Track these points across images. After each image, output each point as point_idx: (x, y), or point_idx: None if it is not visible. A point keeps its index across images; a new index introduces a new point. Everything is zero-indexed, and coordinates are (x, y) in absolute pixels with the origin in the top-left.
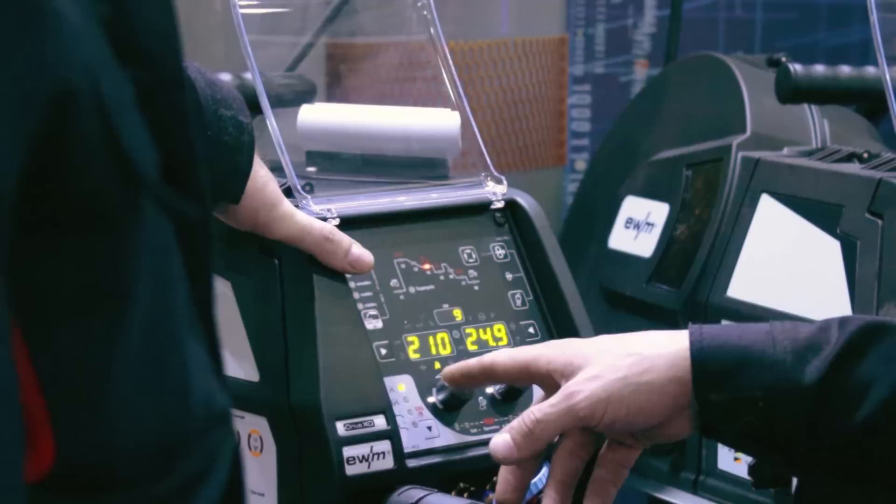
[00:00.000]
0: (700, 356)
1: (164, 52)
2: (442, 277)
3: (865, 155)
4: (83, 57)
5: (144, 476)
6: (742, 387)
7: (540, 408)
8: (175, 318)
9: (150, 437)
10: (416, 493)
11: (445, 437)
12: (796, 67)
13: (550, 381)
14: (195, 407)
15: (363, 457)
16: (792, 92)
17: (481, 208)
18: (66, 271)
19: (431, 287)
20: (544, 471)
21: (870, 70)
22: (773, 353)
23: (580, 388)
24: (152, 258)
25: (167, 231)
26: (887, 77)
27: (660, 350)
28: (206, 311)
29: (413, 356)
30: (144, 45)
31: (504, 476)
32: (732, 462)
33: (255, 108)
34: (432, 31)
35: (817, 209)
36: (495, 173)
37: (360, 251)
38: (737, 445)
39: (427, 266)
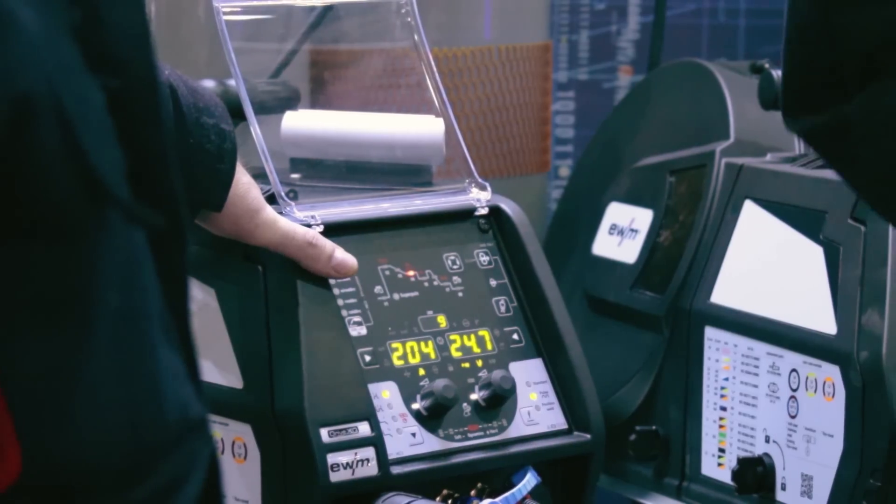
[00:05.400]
0: None
1: (136, 58)
2: (426, 284)
3: None
4: (42, 65)
5: (117, 484)
6: None
7: None
8: (146, 325)
9: (121, 446)
10: (400, 499)
11: (430, 443)
12: (779, 73)
13: None
14: (169, 415)
15: (347, 463)
16: (775, 98)
17: (465, 215)
18: (29, 280)
19: (416, 294)
20: (528, 477)
21: None
22: None
23: None
24: (120, 266)
25: (138, 239)
26: None
27: None
28: (182, 318)
29: (397, 363)
30: (116, 52)
31: None
32: (716, 468)
33: (239, 115)
34: (416, 37)
35: (800, 215)
36: (479, 180)
37: (343, 256)
38: None
39: (411, 273)
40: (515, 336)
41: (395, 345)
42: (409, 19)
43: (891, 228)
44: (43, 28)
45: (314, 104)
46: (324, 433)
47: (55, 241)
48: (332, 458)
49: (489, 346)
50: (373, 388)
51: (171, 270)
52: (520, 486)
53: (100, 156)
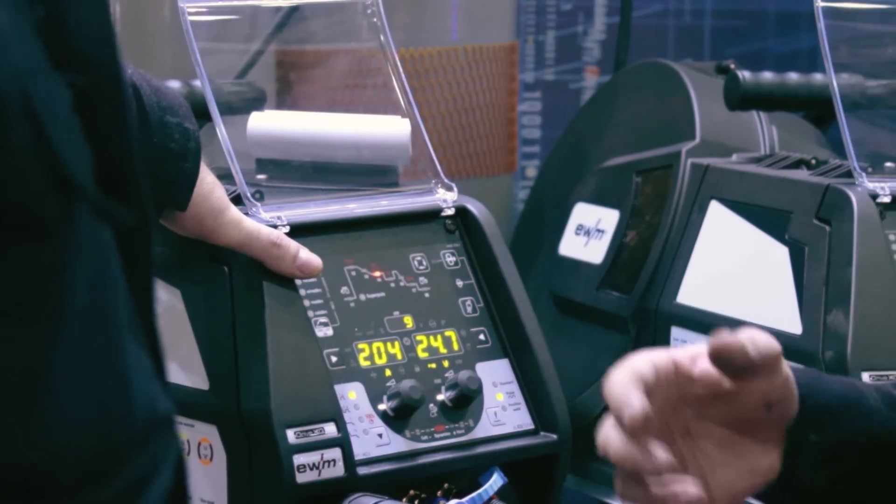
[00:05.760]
0: (807, 390)
1: (100, 55)
2: (392, 285)
3: (813, 161)
4: (10, 63)
5: (85, 482)
6: (848, 430)
7: None
8: (114, 322)
9: (90, 443)
10: (366, 500)
11: (396, 444)
12: (745, 74)
13: None
14: (137, 412)
15: (314, 464)
16: (740, 98)
17: (432, 215)
18: None
19: (382, 294)
20: (495, 477)
21: (817, 77)
22: (869, 402)
23: None
24: (89, 263)
25: (105, 236)
26: (834, 84)
27: None
28: (148, 315)
29: (363, 363)
30: (81, 49)
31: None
32: None
33: (205, 116)
34: (382, 38)
35: (766, 215)
36: (446, 180)
37: (308, 255)
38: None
39: (377, 273)
40: (482, 336)
41: (361, 345)
42: (375, 20)
43: (855, 227)
44: (10, 26)
45: (280, 105)
46: (290, 434)
47: (25, 237)
48: (298, 460)
49: (456, 347)
50: (339, 388)
51: (137, 268)
52: (486, 486)
53: (68, 152)
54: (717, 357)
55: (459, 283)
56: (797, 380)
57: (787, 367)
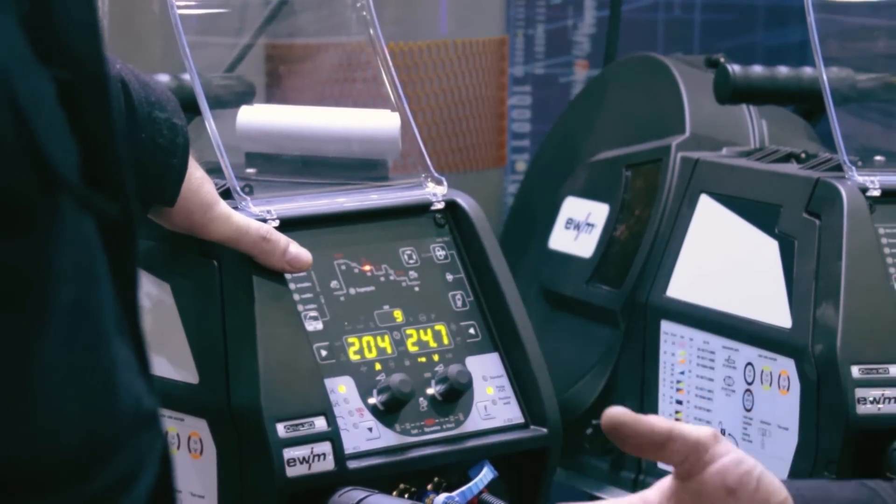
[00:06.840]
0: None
1: (85, 50)
2: (382, 279)
3: (803, 155)
4: None
5: (69, 478)
6: None
7: None
8: (99, 317)
9: (74, 439)
10: (356, 494)
11: (386, 438)
12: (734, 68)
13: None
14: (122, 408)
15: (304, 458)
16: (730, 92)
17: (421, 209)
18: None
19: (372, 288)
20: (485, 471)
21: (807, 71)
22: (882, 499)
23: None
24: (73, 257)
25: (89, 230)
26: (824, 77)
27: None
28: (132, 310)
29: (353, 357)
30: (66, 44)
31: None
32: None
33: (194, 110)
34: (372, 31)
35: (756, 209)
36: (435, 174)
37: (297, 250)
38: None
39: (367, 267)
40: (472, 330)
41: (351, 339)
42: (364, 13)
43: (845, 221)
44: None
45: (269, 99)
46: (280, 428)
47: (9, 231)
48: (288, 453)
49: (445, 341)
50: (329, 382)
51: (121, 263)
52: (476, 480)
53: (52, 145)
54: (607, 431)
55: (449, 277)
56: (801, 494)
57: (736, 449)
